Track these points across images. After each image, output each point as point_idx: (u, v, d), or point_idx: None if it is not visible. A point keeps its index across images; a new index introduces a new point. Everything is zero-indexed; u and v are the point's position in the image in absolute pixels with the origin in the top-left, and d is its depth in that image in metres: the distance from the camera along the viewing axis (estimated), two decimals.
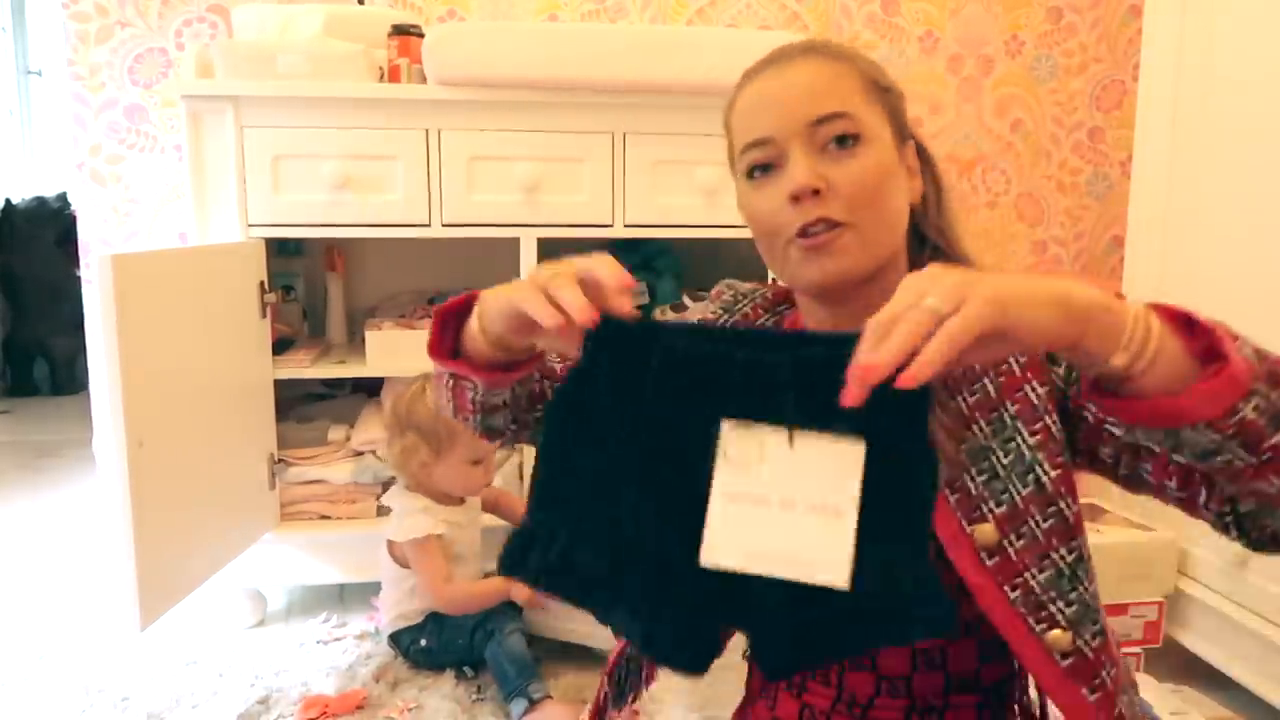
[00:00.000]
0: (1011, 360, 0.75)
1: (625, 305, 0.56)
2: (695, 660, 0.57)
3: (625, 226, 1.95)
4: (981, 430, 0.74)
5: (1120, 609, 1.66)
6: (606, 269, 0.58)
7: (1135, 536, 1.72)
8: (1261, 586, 1.56)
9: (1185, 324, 0.56)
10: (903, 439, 0.53)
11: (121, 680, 1.72)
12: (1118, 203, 2.54)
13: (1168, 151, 1.74)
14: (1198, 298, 1.66)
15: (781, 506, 0.52)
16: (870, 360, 0.50)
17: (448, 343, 0.74)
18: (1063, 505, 0.73)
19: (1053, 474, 0.73)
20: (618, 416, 0.57)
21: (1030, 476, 0.73)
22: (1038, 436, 0.73)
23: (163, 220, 2.25)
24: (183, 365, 1.62)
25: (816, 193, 0.72)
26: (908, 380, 0.49)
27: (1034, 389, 0.74)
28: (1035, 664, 0.72)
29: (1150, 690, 1.55)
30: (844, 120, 0.73)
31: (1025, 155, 2.56)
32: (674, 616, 0.56)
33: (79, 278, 2.27)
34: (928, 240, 0.81)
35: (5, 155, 4.45)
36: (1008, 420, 0.74)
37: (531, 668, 1.65)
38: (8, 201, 4.00)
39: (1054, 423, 0.73)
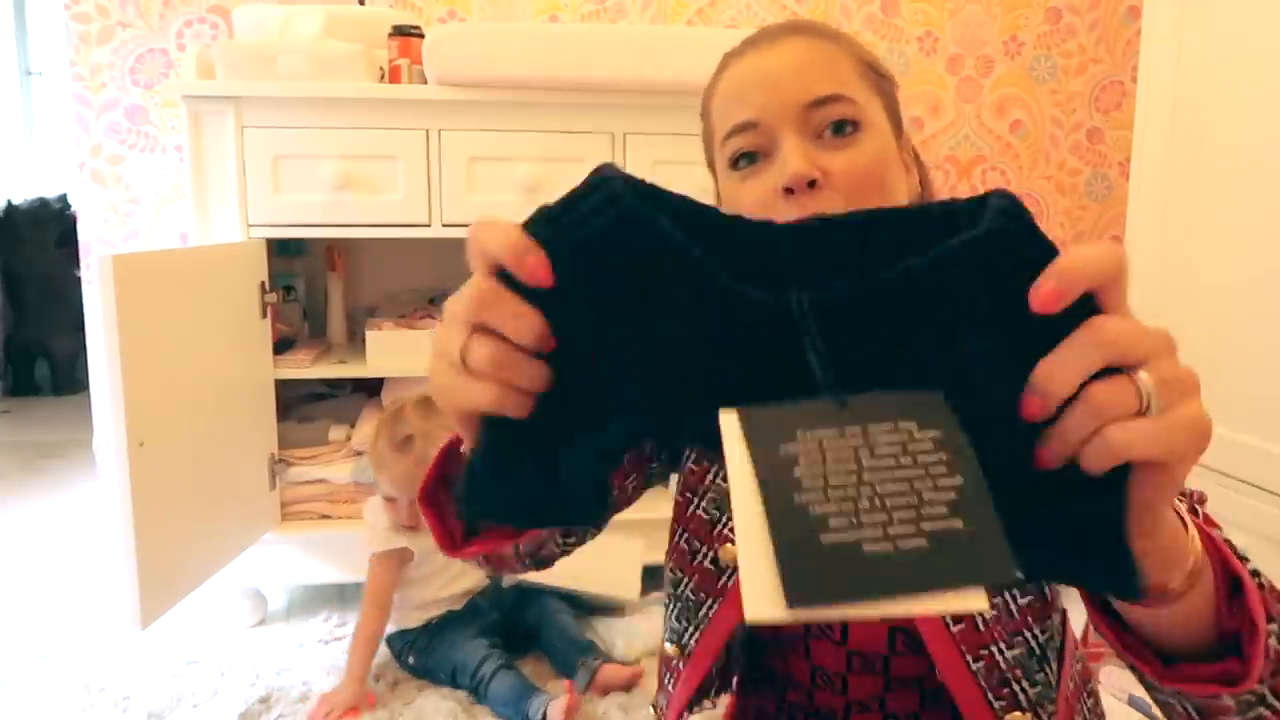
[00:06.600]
0: None
1: (533, 264, 0.39)
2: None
3: None
4: None
5: None
6: (494, 243, 0.39)
7: None
8: None
9: (1229, 581, 0.49)
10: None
11: (122, 679, 1.73)
12: (1117, 204, 2.54)
13: (1167, 153, 1.74)
14: (1197, 298, 1.67)
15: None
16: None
17: (454, 527, 0.59)
18: (1042, 582, 0.68)
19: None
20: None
21: None
22: None
23: (163, 220, 2.25)
24: (183, 365, 1.63)
25: (813, 184, 0.63)
26: (1051, 456, 0.37)
27: None
28: None
29: None
30: (841, 103, 0.65)
31: (1024, 156, 2.57)
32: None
33: (80, 278, 2.28)
34: None
35: (6, 156, 4.46)
36: None
37: (524, 697, 1.61)
38: (9, 202, 4.01)
39: None
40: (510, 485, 0.42)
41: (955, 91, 2.51)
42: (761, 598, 0.32)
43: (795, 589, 0.31)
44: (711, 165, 0.74)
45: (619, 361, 0.40)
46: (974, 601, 0.32)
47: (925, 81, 2.48)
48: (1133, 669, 0.51)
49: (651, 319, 0.39)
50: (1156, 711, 0.56)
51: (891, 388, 0.37)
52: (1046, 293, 0.35)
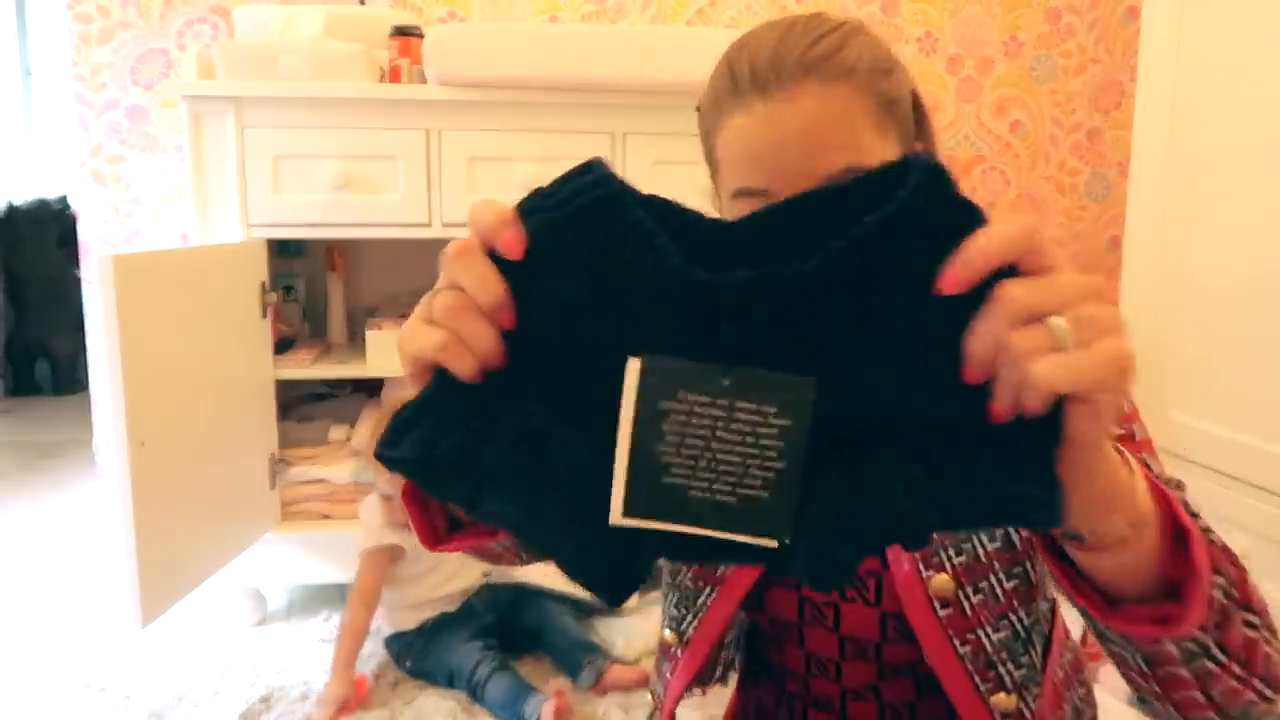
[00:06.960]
0: None
1: (508, 237, 0.43)
2: (619, 590, 0.46)
3: None
4: None
5: None
6: (484, 216, 0.43)
7: None
8: (1258, 587, 1.56)
9: (1175, 531, 0.50)
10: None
11: (123, 678, 1.73)
12: (1116, 204, 2.54)
13: (1165, 153, 1.75)
14: (1195, 298, 1.68)
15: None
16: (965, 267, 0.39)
17: (438, 520, 0.58)
18: (1028, 566, 0.70)
19: (1024, 533, 0.68)
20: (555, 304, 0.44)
21: (1000, 531, 0.69)
22: None
23: (164, 220, 2.26)
24: (184, 365, 1.63)
25: None
26: (1000, 410, 0.40)
27: None
28: None
29: None
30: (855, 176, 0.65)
31: (1024, 156, 2.57)
32: (605, 544, 0.45)
33: (80, 278, 2.28)
34: None
35: (6, 156, 4.46)
36: None
37: (520, 699, 1.62)
38: (9, 203, 4.01)
39: None
40: (432, 443, 0.44)
41: (955, 91, 2.51)
42: (615, 507, 0.44)
43: (631, 506, 0.44)
44: (715, 181, 0.74)
45: (571, 354, 0.44)
46: (750, 541, 0.44)
47: (925, 81, 2.48)
48: (1083, 614, 0.53)
49: (610, 304, 0.44)
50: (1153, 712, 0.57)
51: (819, 359, 0.42)
52: (949, 279, 0.40)
